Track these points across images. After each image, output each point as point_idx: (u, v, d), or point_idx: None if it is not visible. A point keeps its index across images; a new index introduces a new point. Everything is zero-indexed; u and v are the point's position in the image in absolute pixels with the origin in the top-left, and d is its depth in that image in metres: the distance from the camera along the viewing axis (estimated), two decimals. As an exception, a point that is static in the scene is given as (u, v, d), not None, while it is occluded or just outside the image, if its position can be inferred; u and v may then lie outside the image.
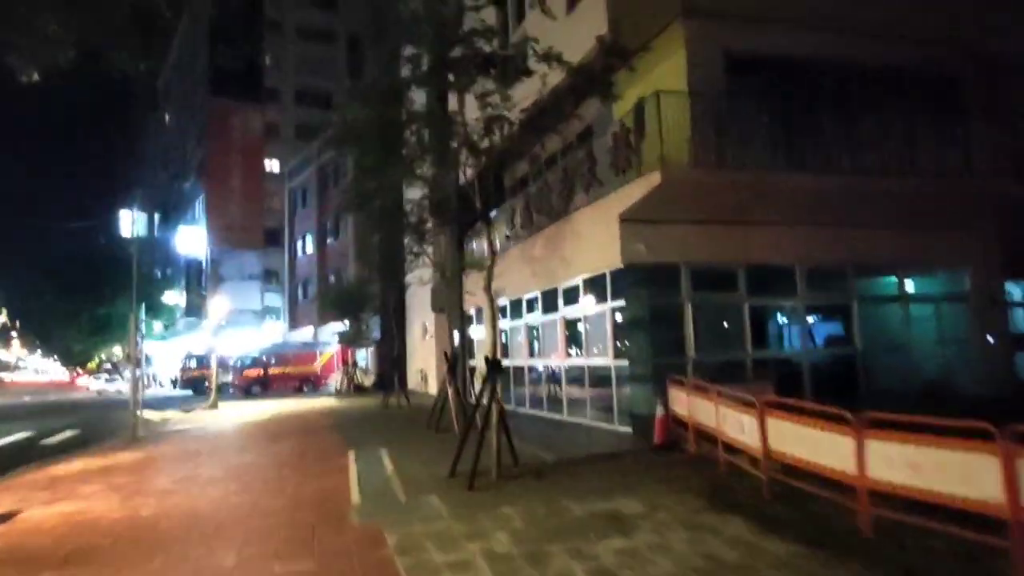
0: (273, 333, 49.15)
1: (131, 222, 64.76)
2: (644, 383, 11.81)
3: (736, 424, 7.30)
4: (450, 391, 13.61)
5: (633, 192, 11.42)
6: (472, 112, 9.45)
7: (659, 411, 9.80)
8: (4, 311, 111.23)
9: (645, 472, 8.44)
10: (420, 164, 14.76)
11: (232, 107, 55.30)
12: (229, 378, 37.07)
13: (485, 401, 8.64)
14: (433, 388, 25.30)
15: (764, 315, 13.21)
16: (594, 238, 12.88)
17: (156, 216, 70.90)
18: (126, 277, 54.29)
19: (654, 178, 10.88)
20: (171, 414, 25.67)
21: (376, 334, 33.00)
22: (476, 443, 8.33)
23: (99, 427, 20.28)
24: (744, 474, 7.44)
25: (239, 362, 36.20)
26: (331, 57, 57.45)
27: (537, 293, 16.11)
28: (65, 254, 54.22)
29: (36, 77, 6.39)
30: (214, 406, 25.78)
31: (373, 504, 7.44)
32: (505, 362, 17.45)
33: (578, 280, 14.04)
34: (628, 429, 11.86)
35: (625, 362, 12.27)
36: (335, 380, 33.36)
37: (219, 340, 33.18)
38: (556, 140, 14.15)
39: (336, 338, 39.67)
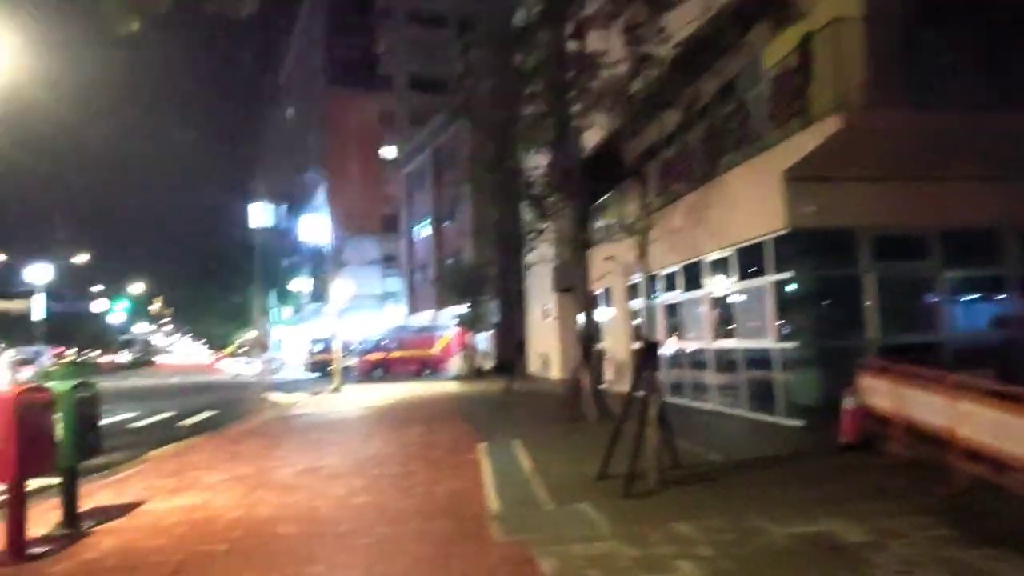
0: (394, 317, 49.82)
1: (259, 214, 67.88)
2: (814, 368, 10.07)
3: (990, 426, 5.57)
4: (584, 378, 12.37)
5: (802, 144, 9.65)
6: (615, 53, 8.08)
7: (848, 402, 8.08)
8: (161, 299, 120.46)
9: (842, 480, 6.84)
10: (542, 126, 13.56)
11: (349, 96, 56.37)
12: (352, 362, 37.70)
13: (641, 392, 7.29)
14: (555, 373, 24.18)
15: (962, 289, 11.03)
16: (749, 201, 11.17)
17: (283, 208, 74.43)
18: (259, 267, 57.20)
19: (830, 125, 9.08)
20: (299, 397, 25.98)
21: (495, 317, 32.31)
22: (624, 439, 7.03)
23: (233, 409, 20.56)
24: (996, 491, 5.71)
25: (361, 346, 36.63)
26: (442, 41, 57.26)
27: (677, 268, 14.50)
28: (203, 247, 57.78)
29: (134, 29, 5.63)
30: (338, 390, 25.89)
31: (515, 513, 6.31)
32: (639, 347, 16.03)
33: (728, 251, 12.35)
34: (796, 422, 10.16)
35: (790, 344, 10.54)
36: (454, 364, 32.98)
37: (342, 324, 33.75)
38: (700, 95, 12.47)
39: (455, 321, 39.55)
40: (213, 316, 59.88)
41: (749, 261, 11.83)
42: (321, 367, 43.54)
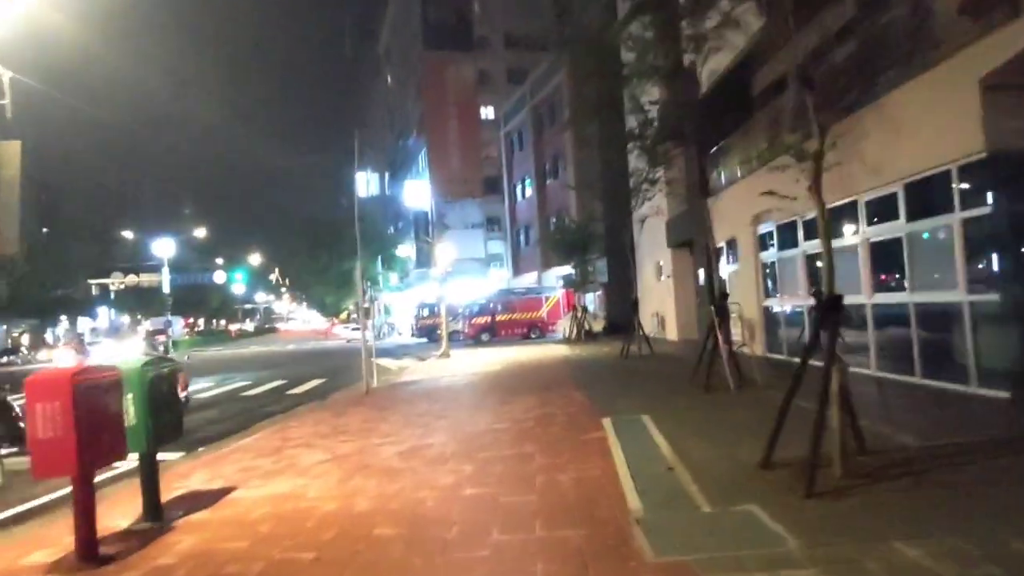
0: (498, 280, 49.18)
1: (364, 183, 68.74)
2: (1021, 326, 8.05)
3: None
4: (719, 340, 10.78)
5: (1008, 41, 7.53)
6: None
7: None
8: (277, 269, 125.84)
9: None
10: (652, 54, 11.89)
11: (445, 59, 55.44)
12: (459, 326, 37.36)
13: (820, 361, 5.71)
14: (672, 334, 22.50)
15: None
16: (925, 124, 9.10)
17: (386, 175, 75.16)
18: (364, 234, 57.92)
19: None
20: (407, 362, 25.65)
21: (603, 276, 30.78)
22: (790, 418, 5.51)
23: (342, 376, 20.31)
24: None
25: (467, 310, 36.12)
26: (537, -4, 55.14)
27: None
28: (314, 217, 59.09)
29: None
30: (446, 355, 25.33)
31: (664, 518, 4.97)
32: (775, 304, 14.17)
33: (893, 187, 10.30)
34: (999, 393, 8.20)
35: (986, 297, 8.53)
36: (562, 326, 31.83)
37: (447, 289, 33.28)
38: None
39: (561, 282, 38.30)
40: (325, 284, 61.44)
41: (922, 198, 9.77)
42: (428, 331, 43.66)
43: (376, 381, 16.36)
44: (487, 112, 55.33)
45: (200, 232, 51.77)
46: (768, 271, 14.40)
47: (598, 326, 29.72)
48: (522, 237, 45.16)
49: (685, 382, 11.58)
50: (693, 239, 18.91)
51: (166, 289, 47.60)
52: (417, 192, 56.90)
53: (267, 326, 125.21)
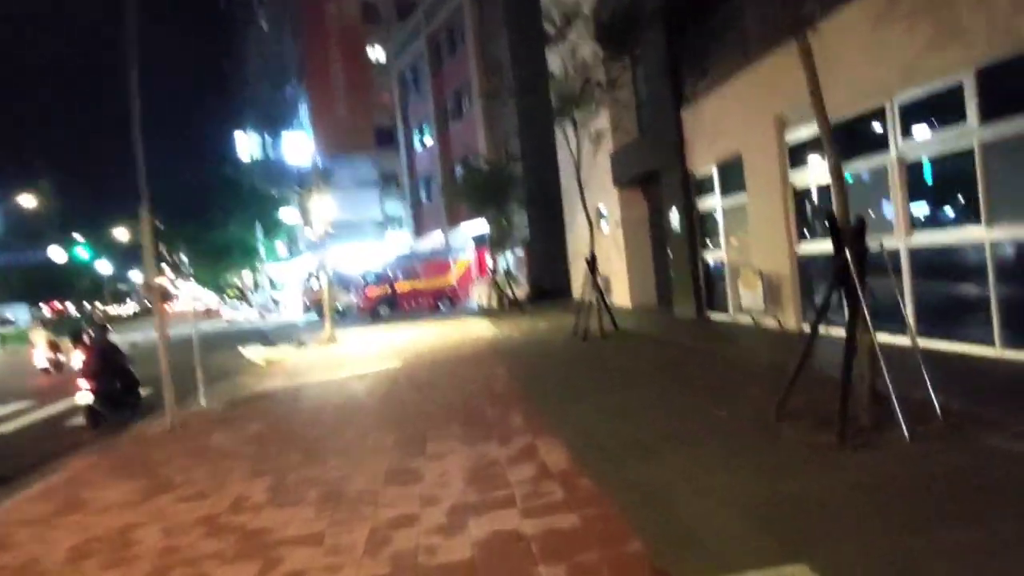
0: (398, 244, 43.23)
1: (244, 144, 60.51)
2: None
3: None
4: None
5: None
6: None
7: None
8: (164, 246, 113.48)
9: None
10: None
11: (323, -6, 48.05)
12: (352, 299, 31.53)
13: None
14: (622, 299, 17.71)
15: None
16: None
17: (265, 136, 66.63)
18: (241, 200, 50.42)
19: None
20: (280, 352, 19.83)
21: (525, 231, 25.68)
22: None
23: (185, 379, 14.36)
24: None
25: (361, 279, 30.30)
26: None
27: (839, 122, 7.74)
28: (191, 185, 50.54)
29: None
30: (331, 339, 19.64)
31: None
32: (818, 248, 9.47)
33: (955, 78, 5.63)
34: None
35: None
36: (477, 294, 26.63)
37: (334, 255, 27.51)
38: None
39: (472, 242, 32.99)
40: (210, 258, 53.27)
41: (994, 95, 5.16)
42: (320, 306, 37.50)
43: (205, 398, 10.64)
44: (376, 54, 48.59)
45: (27, 200, 42.60)
46: (805, 201, 9.60)
47: (521, 292, 24.68)
48: (423, 192, 39.35)
49: (752, 398, 6.65)
50: (658, 170, 14.04)
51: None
52: (297, 146, 49.76)
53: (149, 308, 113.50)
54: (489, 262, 28.09)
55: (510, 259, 27.27)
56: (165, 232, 52.51)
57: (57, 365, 19.51)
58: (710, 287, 12.78)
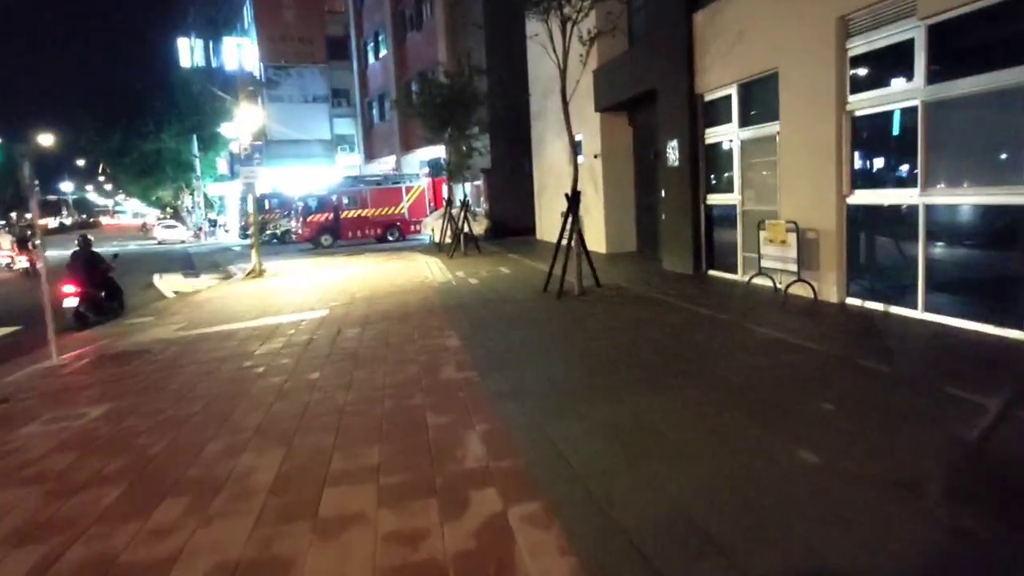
0: (347, 168, 39.77)
1: (185, 51, 55.05)
2: None
3: None
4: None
5: None
6: None
7: None
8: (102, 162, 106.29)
9: None
10: None
11: None
12: (292, 224, 28.45)
13: None
14: (597, 245, 15.38)
15: None
16: None
17: (210, 43, 60.90)
18: (177, 110, 45.54)
19: None
20: (198, 284, 17.17)
21: (485, 159, 22.89)
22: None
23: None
24: None
25: (302, 204, 27.23)
26: None
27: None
28: (125, 92, 45.07)
29: None
30: (258, 273, 16.93)
31: None
32: (879, 199, 7.19)
33: None
34: None
35: None
36: (430, 227, 23.96)
37: (267, 174, 24.24)
38: None
39: (426, 169, 30.03)
40: (138, 171, 48.37)
41: None
42: (260, 230, 34.25)
43: (57, 350, 8.06)
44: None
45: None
46: (866, 131, 7.24)
47: (479, 228, 22.10)
48: (375, 111, 35.87)
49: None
50: (655, 90, 11.50)
51: None
52: (238, 52, 45.16)
53: (90, 220, 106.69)
54: (445, 192, 25.43)
55: (468, 190, 24.56)
56: (89, 142, 47.77)
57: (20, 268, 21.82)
58: (712, 239, 10.50)
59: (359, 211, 26.58)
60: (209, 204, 47.55)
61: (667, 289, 9.47)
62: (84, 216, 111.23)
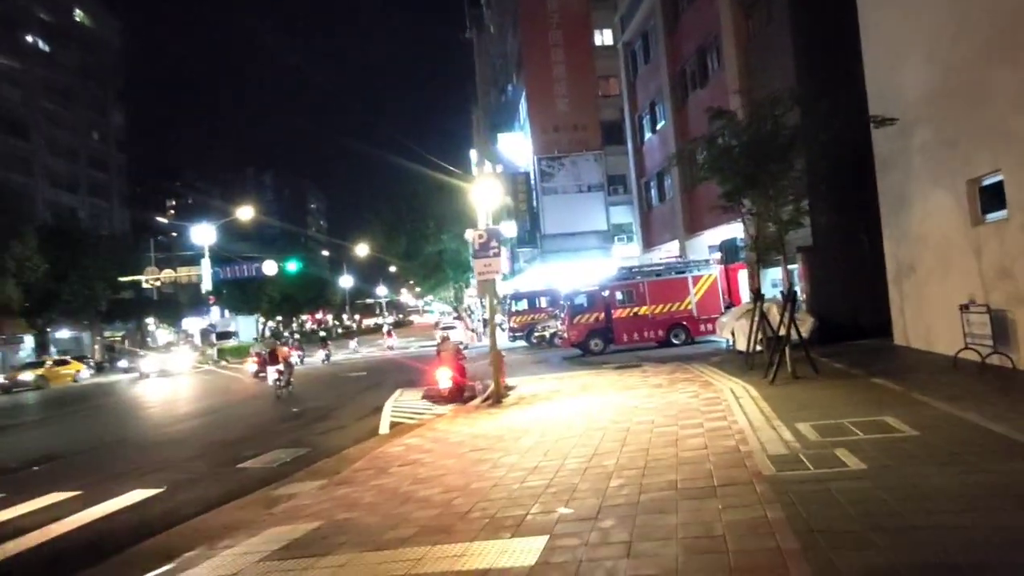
0: (624, 259, 35.47)
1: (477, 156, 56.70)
2: None
3: None
4: None
5: None
6: None
7: None
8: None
9: None
10: None
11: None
12: (559, 326, 24.45)
13: None
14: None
15: None
16: None
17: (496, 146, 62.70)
18: (454, 208, 45.97)
19: None
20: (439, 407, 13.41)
21: (802, 236, 16.45)
22: None
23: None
24: None
25: (567, 302, 23.11)
26: None
27: None
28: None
29: None
30: (496, 400, 12.58)
31: None
32: None
33: None
34: None
35: None
36: (728, 331, 17.85)
37: (538, 271, 20.89)
38: None
39: (717, 254, 24.28)
40: (423, 274, 49.80)
41: None
42: (525, 333, 31.19)
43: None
44: (603, 38, 41.62)
45: (246, 212, 42.03)
46: None
47: (805, 328, 15.50)
48: (653, 191, 31.30)
49: None
50: None
51: (207, 285, 38.33)
52: (513, 147, 44.43)
53: (400, 320, 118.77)
54: (743, 281, 19.34)
55: (778, 277, 18.15)
56: (381, 246, 50.62)
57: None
58: None
59: (636, 308, 21.59)
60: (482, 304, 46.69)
61: None
62: (400, 316, 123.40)
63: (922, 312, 12.38)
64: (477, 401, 13.33)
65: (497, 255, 12.87)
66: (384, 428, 11.99)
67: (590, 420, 9.32)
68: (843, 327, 15.49)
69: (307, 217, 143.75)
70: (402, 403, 15.50)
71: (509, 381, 15.54)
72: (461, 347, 15.38)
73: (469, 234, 13.48)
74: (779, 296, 12.13)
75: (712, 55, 22.29)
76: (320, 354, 34.17)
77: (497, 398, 12.61)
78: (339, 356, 38.70)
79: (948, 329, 10.89)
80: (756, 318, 13.35)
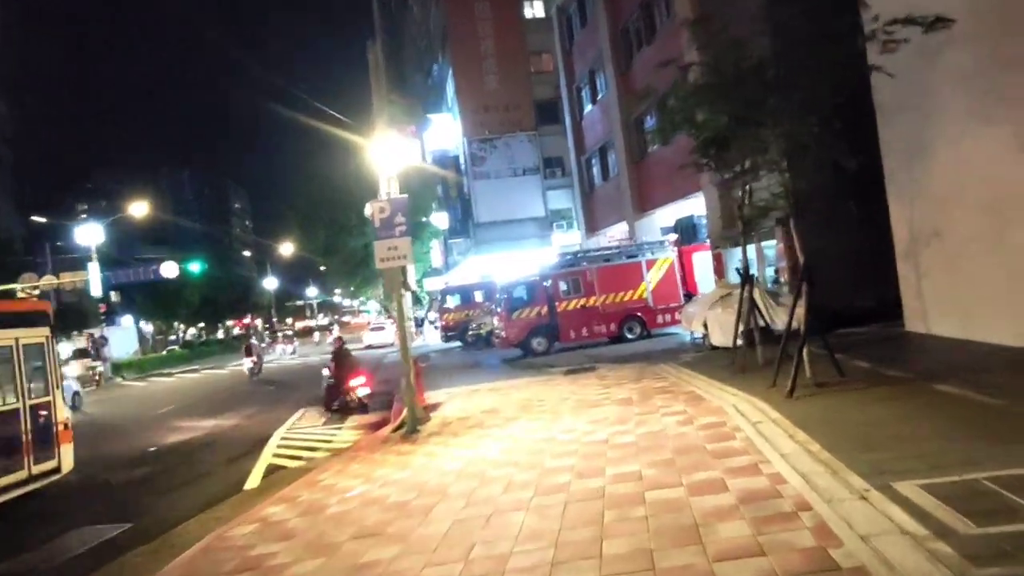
0: (564, 247, 32.47)
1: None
2: None
3: None
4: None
5: None
6: None
7: None
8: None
9: None
10: None
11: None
12: (494, 323, 21.25)
13: None
14: None
15: None
16: None
17: (423, 135, 58.78)
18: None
19: None
20: (342, 436, 10.00)
21: (781, 203, 13.57)
22: None
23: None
24: None
25: (503, 296, 19.93)
26: None
27: None
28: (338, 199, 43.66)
29: None
30: (411, 430, 9.30)
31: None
32: None
33: None
34: None
35: None
36: (698, 322, 14.94)
37: (473, 262, 17.76)
38: None
39: (673, 236, 21.44)
40: (347, 270, 45.74)
41: None
42: (459, 332, 27.89)
43: None
44: (533, 10, 38.57)
45: (139, 208, 37.19)
46: None
47: (780, 317, 12.72)
48: (596, 168, 28.42)
49: None
50: None
51: (95, 291, 33.49)
52: (442, 129, 40.92)
53: (334, 321, 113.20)
54: (698, 264, 16.61)
55: (751, 256, 15.38)
56: (300, 242, 46.54)
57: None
58: None
59: (583, 300, 18.54)
60: (417, 301, 43.03)
61: None
62: (336, 317, 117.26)
63: (956, 290, 9.68)
64: (388, 430, 10.00)
65: (405, 234, 9.55)
66: (254, 480, 8.57)
67: (541, 472, 6.12)
68: (837, 312, 12.76)
69: (231, 217, 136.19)
70: (298, 430, 12.11)
71: (434, 395, 12.29)
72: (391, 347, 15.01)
73: (368, 208, 10.07)
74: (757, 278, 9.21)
75: (659, 4, 19.42)
76: (246, 362, 27.43)
77: (412, 426, 9.33)
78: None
79: (1008, 311, 8.19)
80: (741, 305, 10.45)
